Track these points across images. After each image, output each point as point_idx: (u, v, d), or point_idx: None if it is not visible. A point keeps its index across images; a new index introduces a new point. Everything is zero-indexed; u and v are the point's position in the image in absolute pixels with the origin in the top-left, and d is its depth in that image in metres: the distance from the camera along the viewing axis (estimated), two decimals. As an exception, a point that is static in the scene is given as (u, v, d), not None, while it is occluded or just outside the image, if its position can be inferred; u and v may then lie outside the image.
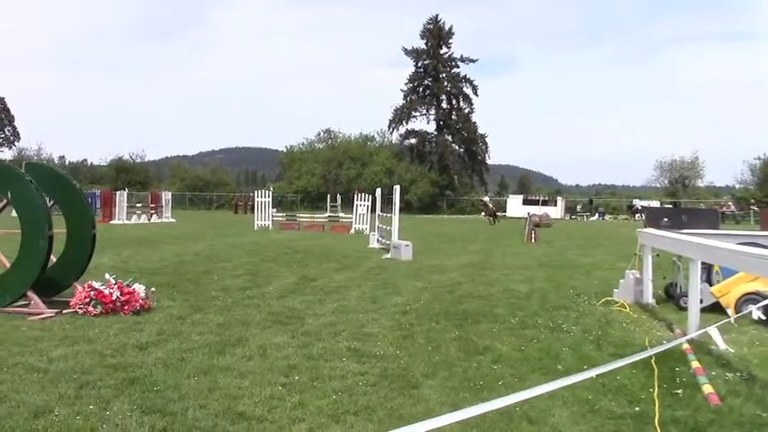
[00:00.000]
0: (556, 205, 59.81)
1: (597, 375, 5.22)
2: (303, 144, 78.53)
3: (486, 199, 40.38)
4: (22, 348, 6.47)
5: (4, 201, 8.86)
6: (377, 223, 21.40)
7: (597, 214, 59.88)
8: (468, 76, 73.43)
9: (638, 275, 10.08)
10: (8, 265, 8.69)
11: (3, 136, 77.66)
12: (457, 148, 74.81)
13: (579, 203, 65.34)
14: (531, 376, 5.86)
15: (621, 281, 10.27)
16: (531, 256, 18.20)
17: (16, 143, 78.67)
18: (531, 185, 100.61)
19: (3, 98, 77.00)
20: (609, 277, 12.47)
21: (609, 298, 10.07)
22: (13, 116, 77.95)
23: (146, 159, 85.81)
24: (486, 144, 75.09)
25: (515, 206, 58.70)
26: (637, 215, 54.25)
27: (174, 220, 37.34)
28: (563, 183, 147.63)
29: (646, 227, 10.97)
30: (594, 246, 22.98)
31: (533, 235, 24.45)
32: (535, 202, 57.67)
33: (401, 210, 19.69)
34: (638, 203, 59.08)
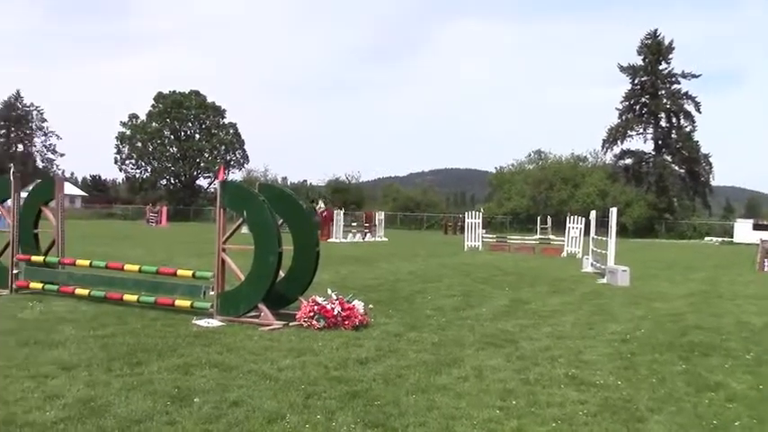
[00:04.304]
0: (792, 230, 54.49)
1: None
2: (513, 165, 77.89)
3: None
4: (255, 357, 6.97)
5: (240, 219, 9.59)
6: (591, 247, 20.71)
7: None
8: (689, 93, 69.21)
9: None
10: (242, 278, 9.36)
11: (235, 158, 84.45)
12: (677, 168, 70.56)
13: None
14: (774, 419, 5.33)
15: None
16: (766, 285, 16.65)
17: (246, 165, 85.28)
18: (762, 208, 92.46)
19: (235, 124, 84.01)
20: None
21: None
22: (243, 140, 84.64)
23: (360, 180, 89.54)
24: (710, 164, 70.22)
25: (744, 231, 54.21)
26: None
27: (386, 240, 38.47)
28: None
29: None
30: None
31: (767, 263, 22.41)
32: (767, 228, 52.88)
33: (616, 233, 18.87)
34: None
